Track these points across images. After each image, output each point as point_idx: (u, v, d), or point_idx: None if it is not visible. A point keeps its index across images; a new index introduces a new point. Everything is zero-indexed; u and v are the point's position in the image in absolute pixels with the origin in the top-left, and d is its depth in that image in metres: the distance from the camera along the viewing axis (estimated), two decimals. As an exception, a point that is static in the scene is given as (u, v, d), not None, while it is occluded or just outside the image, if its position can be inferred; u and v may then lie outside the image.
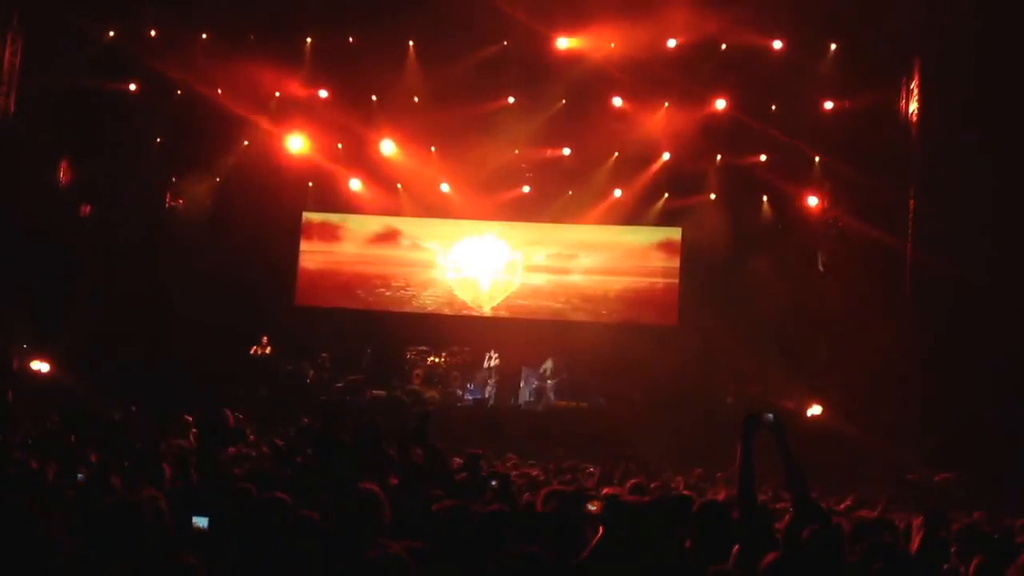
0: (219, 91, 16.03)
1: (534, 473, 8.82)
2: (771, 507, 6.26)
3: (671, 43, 14.66)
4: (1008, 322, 11.75)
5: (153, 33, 15.42)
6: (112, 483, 5.85)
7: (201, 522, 4.62)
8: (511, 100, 16.12)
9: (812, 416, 14.88)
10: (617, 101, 16.08)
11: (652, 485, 8.11)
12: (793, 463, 4.47)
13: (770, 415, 4.51)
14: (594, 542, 4.03)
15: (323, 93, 16.51)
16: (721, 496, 6.79)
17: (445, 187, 18.08)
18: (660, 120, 16.09)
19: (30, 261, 14.83)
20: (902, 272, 13.90)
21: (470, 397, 16.65)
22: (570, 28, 14.58)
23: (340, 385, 16.39)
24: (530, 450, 11.72)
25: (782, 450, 4.45)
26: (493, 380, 16.67)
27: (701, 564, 3.94)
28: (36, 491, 5.39)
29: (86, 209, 16.24)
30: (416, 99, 16.45)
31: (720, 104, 15.59)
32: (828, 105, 15.26)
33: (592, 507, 5.06)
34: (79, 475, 6.39)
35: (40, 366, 14.68)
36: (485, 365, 16.83)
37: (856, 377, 14.29)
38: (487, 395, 16.60)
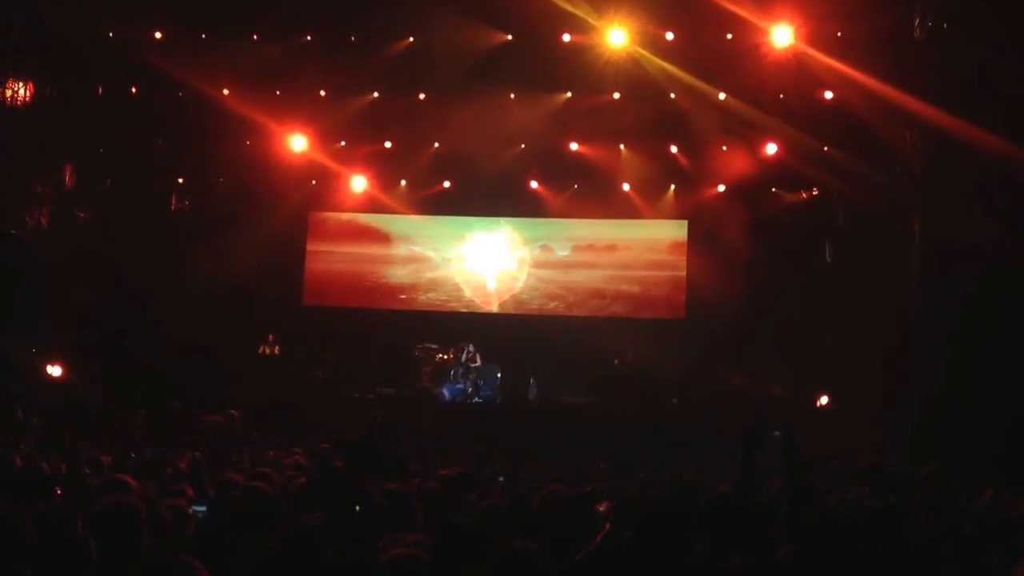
0: (224, 91, 16.07)
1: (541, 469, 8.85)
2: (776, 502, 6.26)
3: (670, 36, 14.60)
4: (1015, 315, 11.68)
5: (158, 35, 15.43)
6: (124, 484, 5.88)
7: (199, 510, 4.68)
8: (512, 96, 16.08)
9: (820, 406, 14.90)
10: (621, 94, 16.04)
11: (663, 480, 8.14)
12: (800, 477, 4.45)
13: (777, 432, 4.46)
14: (599, 538, 4.05)
15: (323, 92, 16.52)
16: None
17: (448, 184, 18.10)
18: (667, 112, 16.05)
19: (34, 264, 14.88)
20: (909, 264, 13.84)
21: (447, 394, 16.59)
22: (575, 21, 14.52)
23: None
24: (537, 447, 11.73)
25: (789, 464, 4.42)
26: (472, 376, 16.65)
27: (710, 560, 3.95)
28: (49, 494, 5.43)
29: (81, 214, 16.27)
30: (422, 96, 16.46)
31: (723, 96, 15.51)
32: (829, 95, 15.20)
33: (600, 508, 5.07)
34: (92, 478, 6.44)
35: (53, 370, 14.76)
36: (462, 359, 16.80)
37: (862, 367, 14.26)
38: (468, 390, 16.59)
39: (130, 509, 3.56)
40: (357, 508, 4.20)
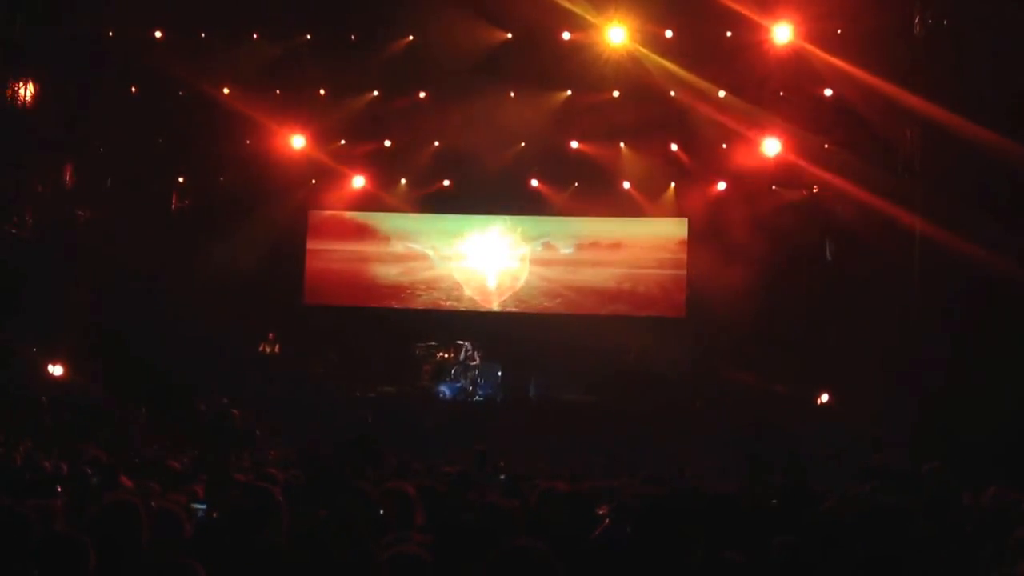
0: (224, 90, 16.08)
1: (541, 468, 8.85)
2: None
3: (669, 34, 14.61)
4: (1016, 313, 11.68)
5: (158, 35, 15.42)
6: (122, 484, 5.89)
7: (199, 508, 4.70)
8: (512, 95, 16.07)
9: (820, 404, 14.91)
10: (621, 93, 16.03)
11: (665, 476, 8.13)
12: (799, 483, 4.50)
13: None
14: (598, 533, 4.04)
15: (322, 91, 16.51)
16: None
17: (448, 182, 18.12)
18: (667, 110, 16.05)
19: (34, 263, 14.88)
20: (910, 261, 13.83)
21: (448, 392, 16.57)
22: (575, 19, 14.52)
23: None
24: (537, 446, 11.73)
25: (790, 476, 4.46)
26: (471, 374, 16.63)
27: (710, 557, 3.94)
28: (49, 492, 5.43)
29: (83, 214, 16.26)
30: (422, 95, 16.46)
31: (722, 94, 15.49)
32: (829, 93, 15.21)
33: (600, 511, 5.07)
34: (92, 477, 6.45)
35: (54, 369, 14.77)
36: (461, 358, 16.78)
37: (863, 366, 14.27)
38: (469, 388, 16.59)
39: (130, 508, 3.56)
40: (381, 512, 4.16)
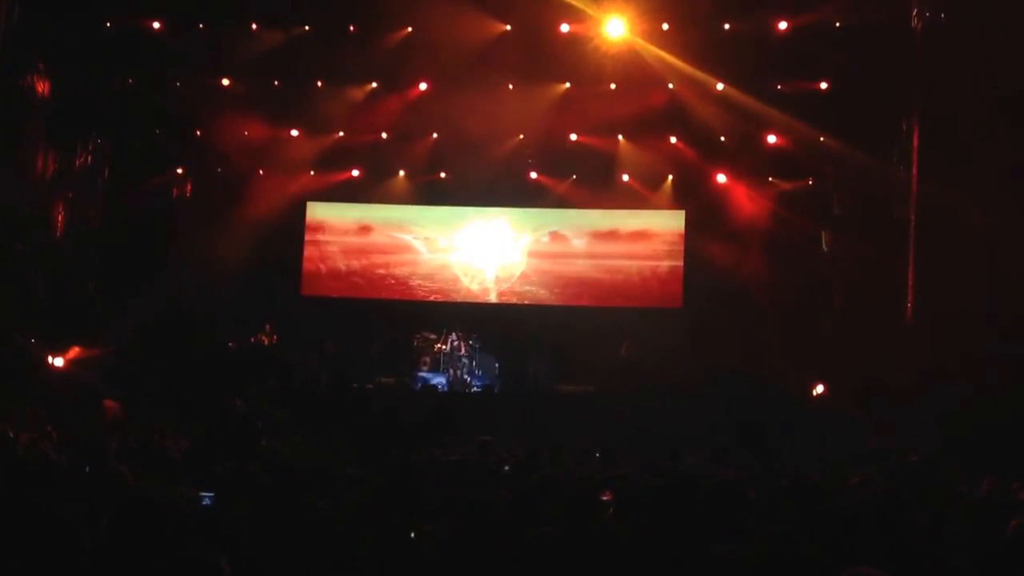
0: (223, 81, 16.08)
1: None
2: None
3: (665, 26, 14.64)
4: (1014, 303, 11.76)
5: (156, 25, 15.40)
6: (124, 475, 5.91)
7: (206, 499, 4.75)
8: (511, 87, 16.09)
9: (817, 395, 14.99)
10: (619, 85, 16.05)
11: (664, 464, 8.22)
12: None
13: None
14: (601, 523, 4.10)
15: (320, 83, 16.51)
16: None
17: (446, 174, 18.14)
18: (665, 102, 16.08)
19: (35, 255, 14.89)
20: (906, 253, 13.90)
21: (438, 382, 16.60)
22: (573, 11, 14.54)
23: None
24: (536, 437, 11.76)
25: None
26: (462, 364, 16.66)
27: (713, 543, 4.01)
28: (59, 484, 5.46)
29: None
30: (421, 86, 16.47)
31: (720, 86, 15.53)
32: (825, 85, 15.27)
33: (605, 497, 5.13)
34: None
35: (55, 360, 14.80)
36: (446, 348, 16.80)
37: (859, 356, 14.35)
38: (466, 379, 16.64)
39: (155, 503, 3.58)
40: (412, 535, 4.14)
